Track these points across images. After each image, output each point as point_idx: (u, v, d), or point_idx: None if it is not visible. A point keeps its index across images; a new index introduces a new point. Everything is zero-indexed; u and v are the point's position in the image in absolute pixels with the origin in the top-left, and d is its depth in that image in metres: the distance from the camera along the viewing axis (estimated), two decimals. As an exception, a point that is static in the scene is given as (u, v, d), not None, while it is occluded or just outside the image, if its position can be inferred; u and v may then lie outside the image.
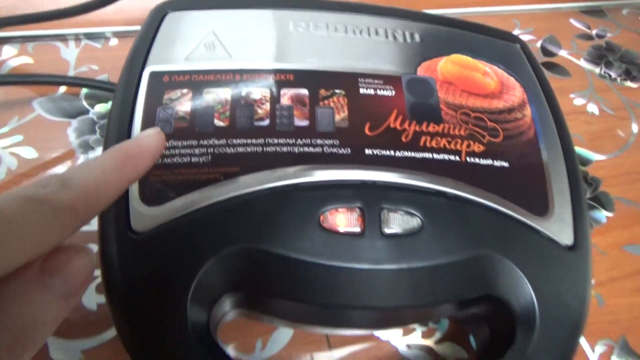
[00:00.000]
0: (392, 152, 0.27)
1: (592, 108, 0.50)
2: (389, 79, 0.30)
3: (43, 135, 0.40)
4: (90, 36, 0.48)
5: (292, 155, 0.26)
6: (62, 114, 0.41)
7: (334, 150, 0.27)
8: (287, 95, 0.28)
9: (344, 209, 0.25)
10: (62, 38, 0.47)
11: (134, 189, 0.25)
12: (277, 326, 0.32)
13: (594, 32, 0.60)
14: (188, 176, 0.25)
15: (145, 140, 0.22)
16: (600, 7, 0.64)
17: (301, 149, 0.27)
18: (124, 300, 0.23)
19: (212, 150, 0.26)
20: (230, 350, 0.31)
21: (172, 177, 0.25)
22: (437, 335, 0.33)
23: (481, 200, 0.27)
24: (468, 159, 0.28)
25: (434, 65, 0.32)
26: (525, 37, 0.57)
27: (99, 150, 0.39)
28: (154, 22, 0.32)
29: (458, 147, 0.28)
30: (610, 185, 0.44)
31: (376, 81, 0.30)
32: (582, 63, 0.55)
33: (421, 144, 0.28)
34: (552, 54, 0.56)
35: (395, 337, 0.33)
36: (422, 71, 0.31)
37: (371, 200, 0.25)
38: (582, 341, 0.34)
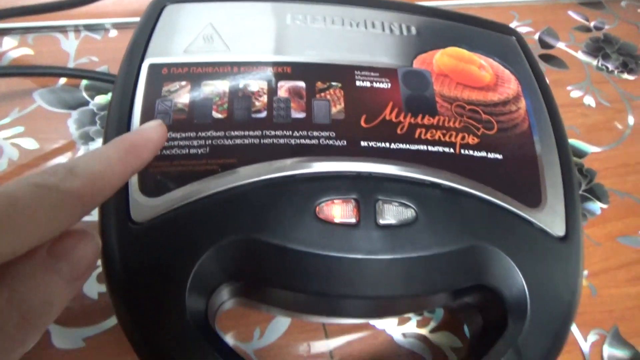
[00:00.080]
0: (388, 144, 0.28)
1: (589, 100, 0.50)
2: (385, 72, 0.30)
3: (44, 127, 0.40)
4: (89, 27, 0.48)
5: (289, 147, 0.27)
6: (63, 106, 0.42)
7: (330, 142, 0.27)
8: (284, 88, 0.29)
9: (340, 201, 0.26)
10: (62, 29, 0.47)
11: (134, 181, 0.25)
12: (274, 315, 0.32)
13: (592, 24, 0.60)
14: (186, 167, 0.26)
15: (148, 131, 0.23)
16: (599, -2, 0.64)
17: (298, 141, 0.27)
18: (124, 289, 0.24)
19: (210, 142, 0.27)
20: (229, 338, 0.32)
21: (171, 169, 0.26)
22: (432, 324, 0.34)
23: (475, 192, 0.27)
24: (462, 151, 0.28)
25: (429, 58, 0.32)
26: (523, 29, 0.57)
27: (99, 142, 0.39)
28: (153, 14, 0.32)
29: (452, 139, 0.29)
30: (605, 177, 0.44)
31: (372, 74, 0.30)
32: (580, 55, 0.55)
33: (416, 136, 0.28)
34: (549, 46, 0.56)
35: (390, 326, 0.33)
36: (418, 64, 0.32)
37: (366, 191, 0.26)
38: (575, 330, 0.35)
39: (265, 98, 0.28)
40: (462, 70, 0.32)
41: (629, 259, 0.39)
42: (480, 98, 0.31)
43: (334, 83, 0.29)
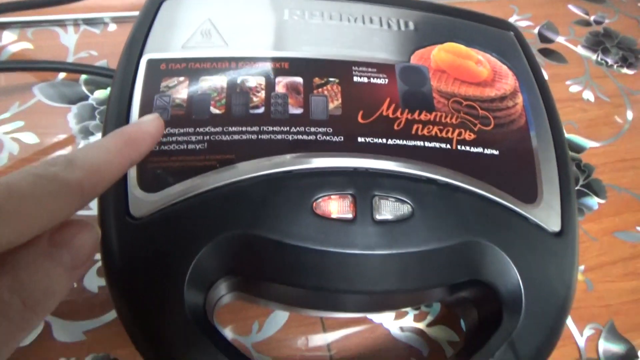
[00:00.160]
0: (384, 140, 0.28)
1: (588, 95, 0.50)
2: (382, 67, 0.31)
3: (43, 121, 0.40)
4: (89, 22, 0.48)
5: (286, 142, 0.27)
6: (62, 100, 0.42)
7: (327, 138, 0.27)
8: (282, 84, 0.29)
9: (337, 196, 0.26)
10: (61, 23, 0.47)
11: (133, 176, 0.25)
12: (272, 309, 0.33)
13: (592, 18, 0.60)
14: (185, 163, 0.26)
15: (146, 124, 0.24)
16: (599, -8, 0.64)
17: (295, 137, 0.27)
18: (123, 284, 0.24)
19: (208, 137, 0.27)
20: (228, 332, 0.32)
21: (169, 164, 0.26)
22: (429, 318, 0.34)
23: (471, 188, 0.27)
24: (459, 147, 0.28)
25: (427, 54, 0.32)
26: (523, 23, 0.57)
27: (98, 136, 0.40)
28: (151, 9, 0.32)
29: (449, 135, 0.29)
30: (603, 172, 0.44)
31: (370, 69, 0.30)
32: (579, 49, 0.55)
33: (413, 132, 0.28)
34: (549, 40, 0.56)
35: (387, 320, 0.33)
36: (415, 59, 0.32)
37: (363, 187, 0.26)
38: (571, 325, 0.35)
39: (262, 94, 0.28)
40: (460, 66, 0.32)
41: (625, 254, 0.39)
42: (477, 94, 0.31)
43: (331, 79, 0.30)
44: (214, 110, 0.28)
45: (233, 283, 0.26)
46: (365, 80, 0.30)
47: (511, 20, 0.57)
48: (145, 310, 0.23)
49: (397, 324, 0.33)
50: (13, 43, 0.45)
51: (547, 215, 0.28)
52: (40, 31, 0.47)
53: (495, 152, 0.29)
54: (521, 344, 0.25)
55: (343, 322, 0.33)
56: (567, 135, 0.46)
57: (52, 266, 0.17)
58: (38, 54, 0.45)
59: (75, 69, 0.42)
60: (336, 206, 0.26)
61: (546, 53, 0.54)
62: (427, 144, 0.28)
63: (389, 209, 0.26)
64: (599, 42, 0.56)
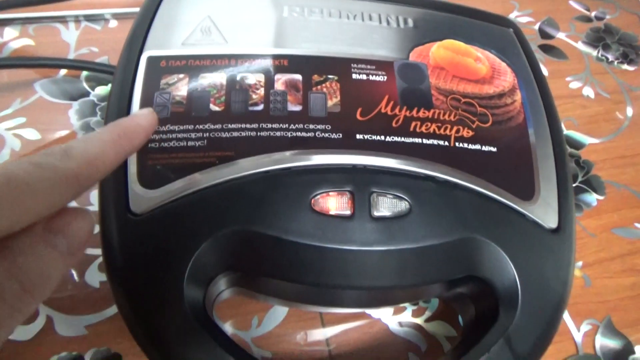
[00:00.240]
0: (383, 137, 0.28)
1: (588, 91, 0.50)
2: (381, 65, 0.31)
3: (45, 117, 0.41)
4: (89, 18, 0.48)
5: (285, 139, 0.27)
6: (64, 96, 0.42)
7: (326, 135, 0.28)
8: (281, 81, 0.29)
9: (335, 193, 0.26)
10: (62, 20, 0.48)
11: (133, 172, 0.26)
12: (272, 304, 0.33)
13: (593, 14, 0.60)
14: (184, 160, 0.26)
15: (140, 118, 0.25)
16: (601, -13, 0.64)
17: (294, 134, 0.27)
18: (123, 279, 0.24)
19: (207, 134, 0.27)
20: (228, 327, 0.32)
21: (169, 161, 0.26)
22: (427, 314, 0.34)
23: (468, 185, 0.27)
24: (457, 144, 0.29)
25: (426, 51, 0.32)
26: (523, 19, 0.57)
27: (99, 132, 0.40)
28: (151, 6, 0.32)
29: (447, 132, 0.29)
30: (602, 168, 0.44)
31: (369, 67, 0.30)
32: (580, 46, 0.55)
33: (411, 129, 0.28)
34: (550, 37, 0.56)
35: (386, 316, 0.34)
36: (414, 56, 0.32)
37: (361, 184, 0.26)
38: (568, 320, 0.35)
39: (262, 91, 0.29)
40: (459, 63, 0.32)
41: (623, 250, 0.39)
42: (475, 91, 0.31)
43: (330, 76, 0.30)
44: (214, 108, 0.28)
45: (232, 279, 0.27)
46: (364, 77, 0.30)
47: (512, 16, 0.57)
48: (146, 305, 0.24)
49: (395, 319, 0.34)
50: (15, 39, 0.45)
51: (544, 212, 0.28)
52: (41, 27, 0.47)
53: (493, 149, 0.29)
54: (517, 339, 0.25)
55: (342, 317, 0.33)
56: (566, 131, 0.47)
57: (48, 252, 0.18)
58: (39, 51, 0.45)
59: (76, 65, 0.43)
60: (334, 203, 0.26)
61: (546, 49, 0.54)
62: (425, 141, 0.28)
63: (386, 205, 0.26)
64: (600, 38, 0.56)
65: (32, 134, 0.39)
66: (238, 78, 0.29)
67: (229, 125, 0.27)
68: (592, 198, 0.42)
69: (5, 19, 0.46)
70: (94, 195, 0.36)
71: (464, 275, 0.26)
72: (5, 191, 0.16)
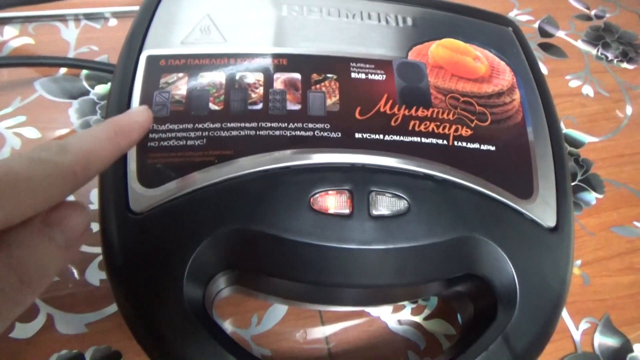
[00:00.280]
0: (382, 136, 0.28)
1: (587, 90, 0.50)
2: (380, 64, 0.31)
3: (45, 116, 0.41)
4: (89, 16, 0.48)
5: (284, 138, 0.27)
6: (64, 95, 0.42)
7: (325, 134, 0.28)
8: (280, 80, 0.29)
9: (334, 192, 0.26)
10: (62, 18, 0.48)
11: (133, 171, 0.26)
12: (271, 303, 0.33)
13: (592, 12, 0.60)
14: (184, 159, 0.26)
15: (135, 115, 0.25)
16: (601, -14, 0.64)
17: (293, 133, 0.27)
18: (123, 278, 0.24)
19: (207, 133, 0.27)
20: (227, 324, 0.32)
21: (168, 160, 0.26)
22: (426, 312, 0.34)
23: (467, 184, 0.27)
24: (455, 142, 0.29)
25: (425, 50, 0.32)
26: (523, 18, 0.57)
27: (99, 131, 0.40)
28: (151, 5, 0.32)
29: (446, 131, 0.29)
30: (601, 167, 0.45)
31: (367, 65, 0.30)
32: (579, 44, 0.55)
33: (410, 128, 0.29)
34: (549, 35, 0.56)
35: (385, 314, 0.34)
36: (413, 55, 0.32)
37: (360, 183, 0.26)
38: (567, 319, 0.35)
39: (261, 90, 0.29)
40: (457, 62, 0.32)
41: (622, 248, 0.40)
42: (474, 90, 0.31)
43: (329, 75, 0.30)
44: (213, 107, 0.28)
45: (232, 277, 0.27)
46: (363, 76, 0.30)
47: (511, 14, 0.57)
48: (145, 303, 0.24)
49: (394, 317, 0.34)
50: (14, 38, 0.46)
51: (542, 210, 0.28)
52: (41, 26, 0.47)
53: (492, 148, 0.29)
54: (515, 337, 0.25)
55: (341, 316, 0.34)
56: (566, 130, 0.47)
57: (46, 245, 0.18)
58: (39, 49, 0.45)
59: (76, 64, 0.43)
60: (333, 201, 0.26)
61: (546, 47, 0.54)
62: (423, 140, 0.28)
63: (385, 204, 0.26)
64: (599, 36, 0.56)
65: (32, 133, 0.39)
66: (237, 77, 0.29)
67: (228, 124, 0.27)
68: (591, 196, 0.42)
69: (5, 17, 0.46)
70: (94, 194, 0.36)
71: (463, 274, 0.27)
72: (4, 185, 0.16)
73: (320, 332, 0.33)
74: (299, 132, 0.27)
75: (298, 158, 0.27)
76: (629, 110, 0.49)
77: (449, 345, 0.33)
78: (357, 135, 0.28)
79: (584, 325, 0.35)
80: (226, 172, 0.26)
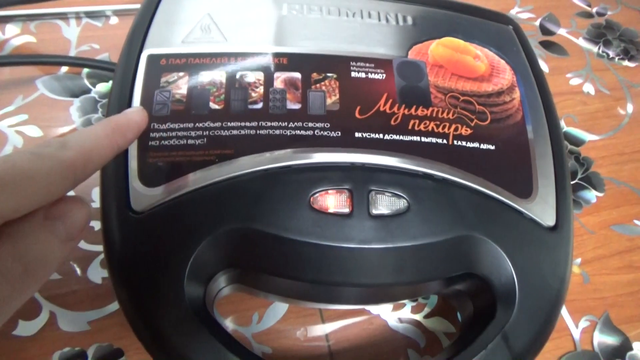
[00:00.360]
0: (381, 136, 0.28)
1: (588, 88, 0.50)
2: (380, 63, 0.31)
3: (47, 114, 0.41)
4: (90, 15, 0.48)
5: (284, 138, 0.27)
6: (65, 93, 0.42)
7: (325, 133, 0.28)
8: (280, 79, 0.29)
9: (334, 191, 0.26)
10: (63, 16, 0.48)
11: (134, 170, 0.26)
12: (272, 301, 0.33)
13: (594, 9, 0.59)
14: (184, 158, 0.26)
15: (131, 114, 0.26)
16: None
17: (293, 132, 0.27)
18: (125, 276, 0.25)
19: (207, 132, 0.27)
20: (229, 322, 0.33)
21: (169, 159, 0.26)
22: (426, 310, 0.34)
23: (466, 183, 0.28)
24: (455, 142, 0.29)
25: (425, 49, 0.32)
26: (524, 15, 0.57)
27: (101, 129, 0.40)
28: (152, 4, 0.32)
29: (446, 130, 0.29)
30: (602, 165, 0.45)
31: (367, 65, 0.31)
32: (581, 42, 0.55)
33: (410, 127, 0.29)
34: (550, 33, 0.56)
35: (385, 312, 0.34)
36: (413, 54, 0.32)
37: (360, 182, 0.26)
38: (566, 317, 0.35)
39: (261, 89, 0.29)
40: (457, 61, 0.32)
41: (622, 247, 0.40)
42: (474, 89, 0.31)
43: (329, 74, 0.30)
44: (213, 106, 0.28)
45: (232, 276, 0.27)
46: (363, 75, 0.30)
47: (513, 12, 0.57)
48: (147, 301, 0.24)
49: (394, 315, 0.34)
50: (16, 36, 0.46)
51: (542, 209, 0.28)
52: (42, 24, 0.47)
53: (492, 147, 0.29)
54: (514, 336, 0.25)
55: (341, 313, 0.34)
56: (566, 128, 0.47)
57: (48, 237, 0.19)
58: (41, 47, 0.45)
59: (77, 62, 0.43)
60: (333, 201, 0.26)
61: (547, 45, 0.54)
62: (423, 139, 0.28)
63: (385, 203, 0.26)
64: (601, 34, 0.56)
65: (34, 131, 0.40)
66: (237, 76, 0.29)
67: (229, 123, 0.28)
68: (592, 195, 0.42)
69: (7, 15, 0.46)
70: (95, 193, 0.36)
71: (462, 273, 0.27)
72: (8, 179, 0.17)
73: (320, 329, 0.33)
74: (299, 131, 0.28)
75: (298, 157, 0.27)
76: (630, 108, 0.49)
77: (449, 343, 0.33)
78: (357, 134, 0.28)
79: (583, 323, 0.35)
80: (227, 171, 0.26)
